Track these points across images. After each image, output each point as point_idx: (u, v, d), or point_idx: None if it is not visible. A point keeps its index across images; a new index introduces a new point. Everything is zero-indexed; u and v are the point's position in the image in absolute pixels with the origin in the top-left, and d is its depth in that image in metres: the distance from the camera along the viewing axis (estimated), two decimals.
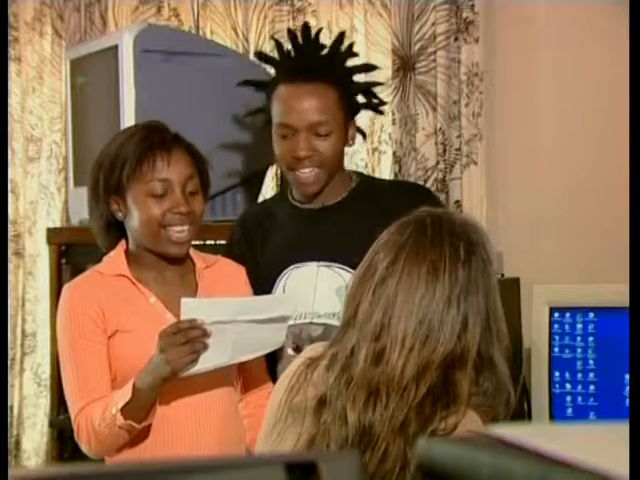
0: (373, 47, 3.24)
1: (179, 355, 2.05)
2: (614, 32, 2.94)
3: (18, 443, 3.63)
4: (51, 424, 3.32)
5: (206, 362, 2.10)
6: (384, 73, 3.18)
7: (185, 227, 2.20)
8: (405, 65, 3.17)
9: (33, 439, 3.63)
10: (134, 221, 2.22)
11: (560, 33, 3.08)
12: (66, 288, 2.27)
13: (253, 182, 3.08)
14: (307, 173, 2.37)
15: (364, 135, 2.57)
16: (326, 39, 2.62)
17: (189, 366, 2.07)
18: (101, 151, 2.26)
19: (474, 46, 3.07)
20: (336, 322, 2.35)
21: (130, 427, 2.10)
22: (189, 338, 2.04)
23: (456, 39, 3.09)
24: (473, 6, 3.07)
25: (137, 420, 2.10)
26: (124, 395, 2.09)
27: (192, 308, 2.08)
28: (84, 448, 2.20)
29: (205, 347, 2.06)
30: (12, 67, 3.60)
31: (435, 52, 3.11)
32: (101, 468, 0.89)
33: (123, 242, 2.28)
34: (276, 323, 2.17)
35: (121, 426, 2.09)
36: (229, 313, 2.10)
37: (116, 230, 2.28)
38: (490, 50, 3.12)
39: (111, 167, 2.21)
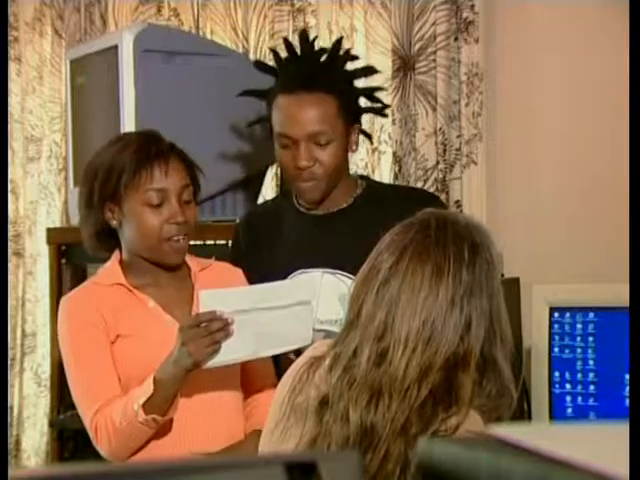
0: (373, 47, 3.24)
1: (201, 347, 2.05)
2: (614, 32, 2.94)
3: (18, 443, 3.63)
4: (51, 424, 3.32)
5: (230, 354, 2.09)
6: (384, 73, 3.18)
7: (181, 236, 2.21)
8: (405, 65, 3.17)
9: (33, 439, 3.63)
10: (130, 230, 2.22)
11: (560, 33, 3.09)
12: (64, 300, 2.27)
13: (253, 182, 3.08)
14: (308, 184, 2.38)
15: (369, 137, 2.56)
16: (326, 40, 2.61)
17: (212, 357, 2.07)
18: (93, 159, 2.25)
19: (474, 46, 3.07)
20: (337, 329, 2.35)
21: (153, 422, 2.10)
22: (210, 331, 2.05)
23: (456, 39, 3.09)
24: (473, 6, 3.07)
25: (160, 414, 2.10)
26: (145, 391, 2.09)
27: (210, 299, 2.07)
28: (104, 450, 2.18)
29: (227, 335, 2.06)
30: (12, 67, 3.60)
31: (435, 52, 3.11)
32: (101, 468, 0.89)
33: (117, 253, 2.28)
34: (297, 309, 2.15)
35: (143, 422, 2.09)
36: (248, 302, 2.09)
37: (107, 237, 2.27)
38: (490, 50, 3.12)
39: (107, 176, 2.20)
